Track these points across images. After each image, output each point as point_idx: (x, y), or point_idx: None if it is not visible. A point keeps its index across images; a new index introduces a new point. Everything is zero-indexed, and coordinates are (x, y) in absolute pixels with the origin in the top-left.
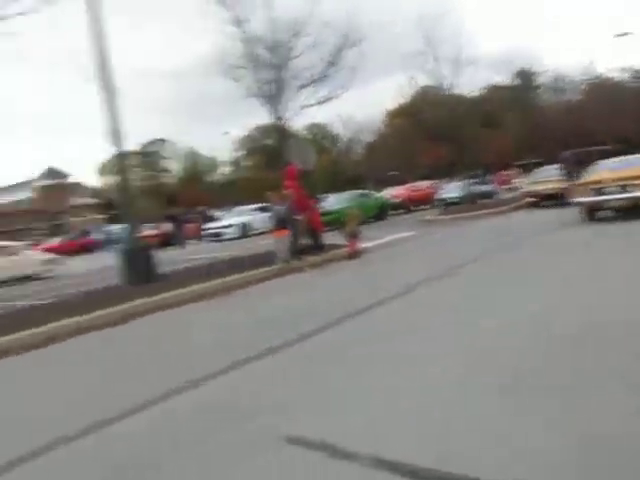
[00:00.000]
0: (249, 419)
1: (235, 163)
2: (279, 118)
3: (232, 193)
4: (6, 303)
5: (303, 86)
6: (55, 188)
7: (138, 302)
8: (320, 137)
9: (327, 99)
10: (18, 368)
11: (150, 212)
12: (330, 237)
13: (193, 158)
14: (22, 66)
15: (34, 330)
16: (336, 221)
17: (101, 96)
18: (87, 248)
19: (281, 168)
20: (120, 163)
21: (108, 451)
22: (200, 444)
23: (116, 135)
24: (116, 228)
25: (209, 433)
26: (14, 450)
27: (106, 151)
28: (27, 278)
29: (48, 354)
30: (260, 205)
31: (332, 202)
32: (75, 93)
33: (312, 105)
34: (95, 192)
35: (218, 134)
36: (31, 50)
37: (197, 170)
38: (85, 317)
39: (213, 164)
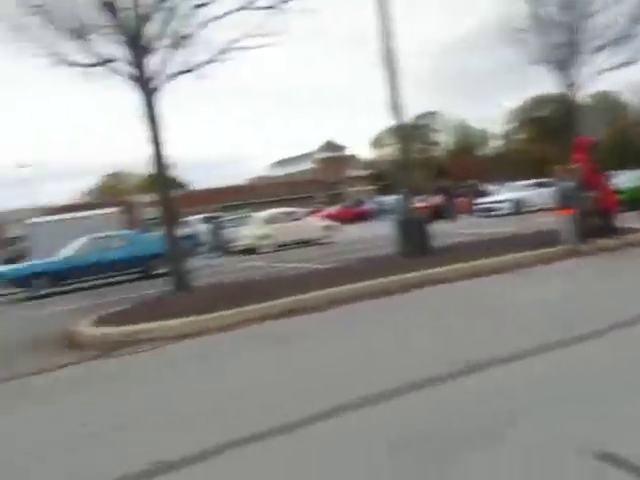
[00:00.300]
0: (550, 418)
1: (506, 136)
2: (570, 85)
3: (503, 167)
4: (291, 265)
5: (600, 48)
6: (333, 160)
7: (415, 274)
8: (607, 106)
9: (630, 62)
10: (309, 327)
11: (420, 184)
12: (623, 219)
13: (463, 131)
14: (302, 43)
15: (318, 292)
16: (629, 201)
17: (384, 72)
18: (361, 217)
19: (560, 141)
20: (399, 136)
21: (384, 425)
22: (486, 438)
23: (396, 109)
24: (387, 199)
25: (494, 427)
26: (303, 411)
27: (379, 125)
28: (307, 242)
29: (330, 317)
30: (536, 180)
31: (624, 179)
32: (345, 70)
33: (609, 70)
34: (367, 164)
35: (491, 106)
36: (313, 28)
37: (467, 143)
38: (367, 283)
39: (484, 137)
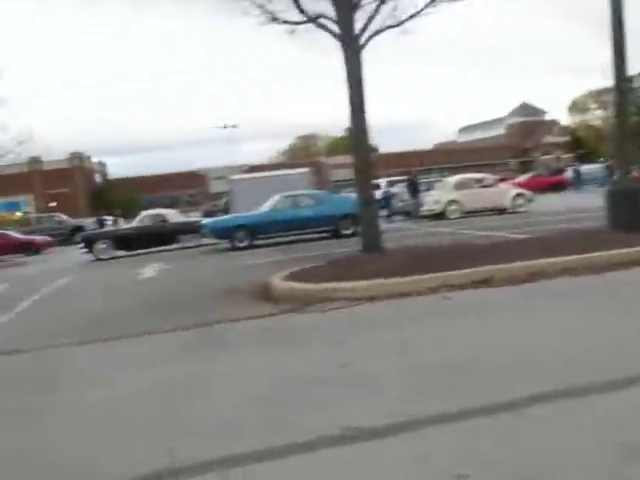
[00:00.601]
0: None
1: None
2: None
3: None
4: (480, 233)
5: None
6: (528, 125)
7: (633, 249)
8: None
9: None
10: (508, 299)
11: (633, 153)
12: None
13: None
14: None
15: (515, 264)
16: None
17: (610, 24)
18: (555, 186)
19: None
20: (617, 98)
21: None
22: None
23: (619, 67)
24: (586, 168)
25: None
26: (523, 389)
27: (579, 88)
28: (500, 211)
29: (530, 290)
30: None
31: None
32: (552, 27)
33: None
34: (563, 130)
35: None
36: None
37: None
38: (572, 257)
39: None
